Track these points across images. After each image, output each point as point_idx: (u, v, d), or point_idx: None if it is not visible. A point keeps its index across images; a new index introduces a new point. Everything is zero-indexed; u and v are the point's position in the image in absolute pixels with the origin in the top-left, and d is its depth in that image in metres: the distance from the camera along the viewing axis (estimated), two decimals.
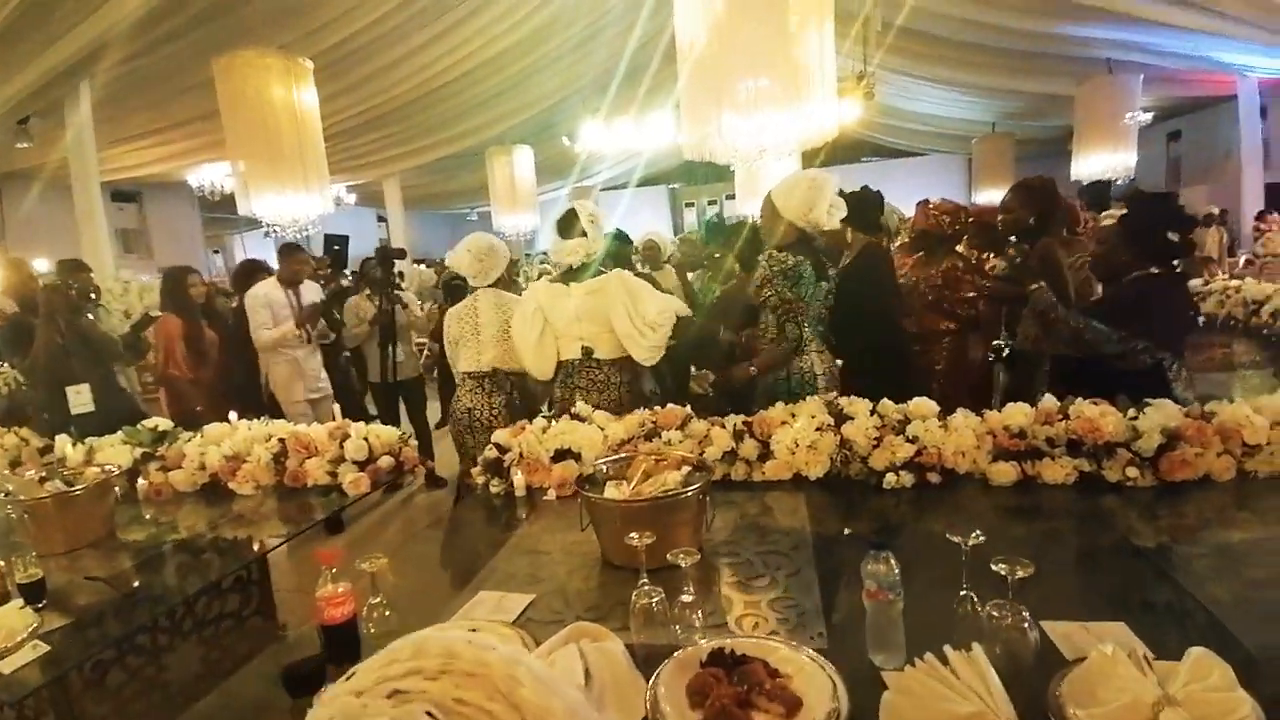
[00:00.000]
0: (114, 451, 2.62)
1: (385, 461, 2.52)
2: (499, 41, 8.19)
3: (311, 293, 4.54)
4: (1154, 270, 2.37)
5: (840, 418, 2.14)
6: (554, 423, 2.36)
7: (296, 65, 4.96)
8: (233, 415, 2.79)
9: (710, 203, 18.62)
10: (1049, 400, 2.09)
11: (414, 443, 2.69)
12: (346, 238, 4.70)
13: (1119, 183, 8.74)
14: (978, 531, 1.18)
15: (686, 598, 1.30)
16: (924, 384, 2.92)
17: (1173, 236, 2.36)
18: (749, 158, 3.31)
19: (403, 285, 5.47)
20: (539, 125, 11.14)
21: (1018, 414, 2.06)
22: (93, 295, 3.98)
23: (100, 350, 3.75)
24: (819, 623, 1.34)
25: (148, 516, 2.40)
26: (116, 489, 2.27)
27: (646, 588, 1.28)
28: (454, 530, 2.29)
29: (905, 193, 6.13)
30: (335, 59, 7.09)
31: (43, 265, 6.55)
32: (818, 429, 2.10)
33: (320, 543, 2.16)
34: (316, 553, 1.35)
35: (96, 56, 6.07)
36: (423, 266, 11.78)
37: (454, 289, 4.45)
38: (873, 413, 2.14)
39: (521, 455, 2.26)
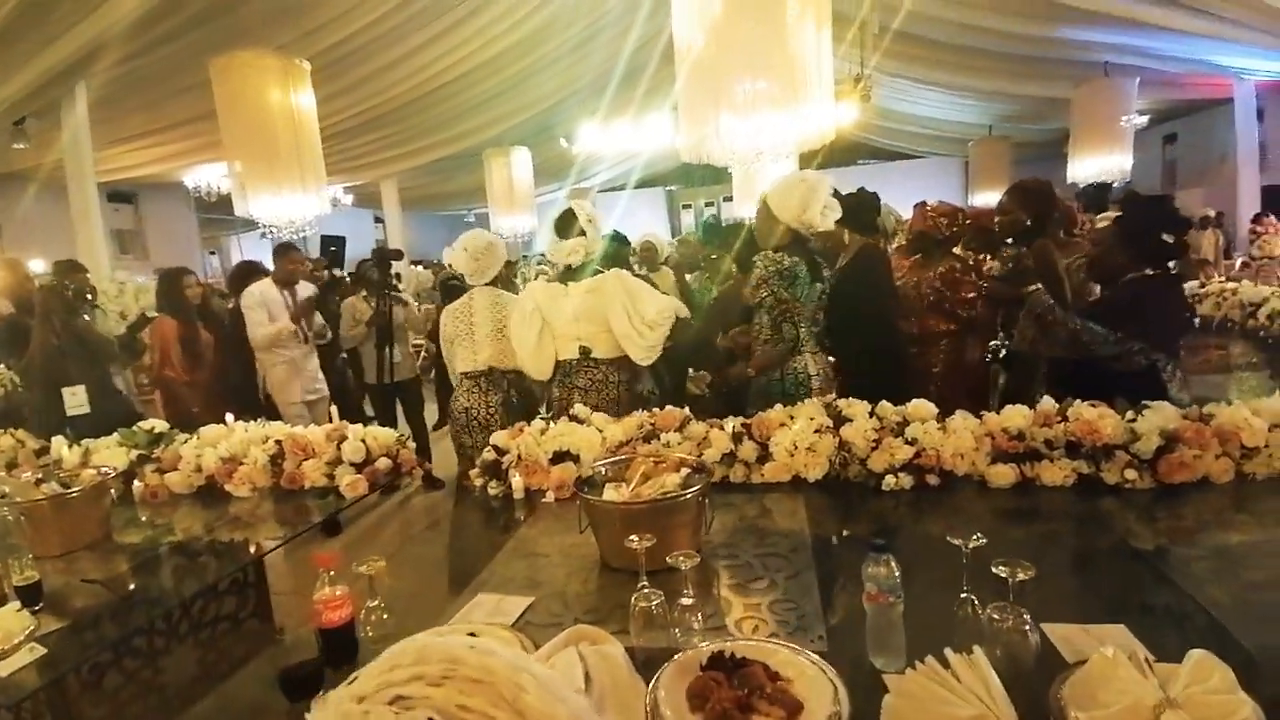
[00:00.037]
0: (110, 453, 2.61)
1: (383, 463, 2.51)
2: (497, 43, 8.19)
3: (307, 293, 4.53)
4: (1149, 272, 2.38)
5: (839, 420, 2.14)
6: (552, 424, 2.36)
7: (294, 66, 4.95)
8: (229, 417, 2.78)
9: (707, 204, 18.61)
10: (1047, 402, 2.09)
11: (411, 444, 2.68)
12: (343, 239, 4.69)
13: (1117, 185, 8.76)
14: (978, 534, 1.18)
15: (686, 600, 1.29)
16: (921, 386, 2.92)
17: (1167, 238, 2.36)
18: (746, 159, 3.31)
19: (400, 287, 5.47)
20: (537, 127, 11.13)
21: (1016, 416, 2.07)
22: (89, 296, 3.97)
23: (96, 351, 3.73)
24: (819, 625, 1.33)
25: (144, 519, 2.39)
26: (112, 491, 2.26)
27: (646, 590, 1.28)
28: (452, 533, 2.28)
29: (902, 195, 6.13)
30: (333, 60, 7.08)
31: (39, 266, 6.51)
32: (816, 431, 2.10)
33: (317, 545, 2.15)
34: (314, 555, 1.35)
35: (93, 57, 6.05)
36: (420, 268, 11.78)
37: (451, 289, 4.45)
38: (871, 415, 2.15)
39: (520, 457, 2.25)
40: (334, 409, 2.96)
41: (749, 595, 1.48)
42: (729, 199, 12.13)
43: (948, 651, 1.07)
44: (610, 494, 1.68)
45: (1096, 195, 5.41)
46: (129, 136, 8.68)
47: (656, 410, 2.37)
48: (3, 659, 1.35)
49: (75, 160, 7.08)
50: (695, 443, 2.20)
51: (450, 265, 3.43)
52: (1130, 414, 1.98)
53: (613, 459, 1.91)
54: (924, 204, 3.43)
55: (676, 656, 1.11)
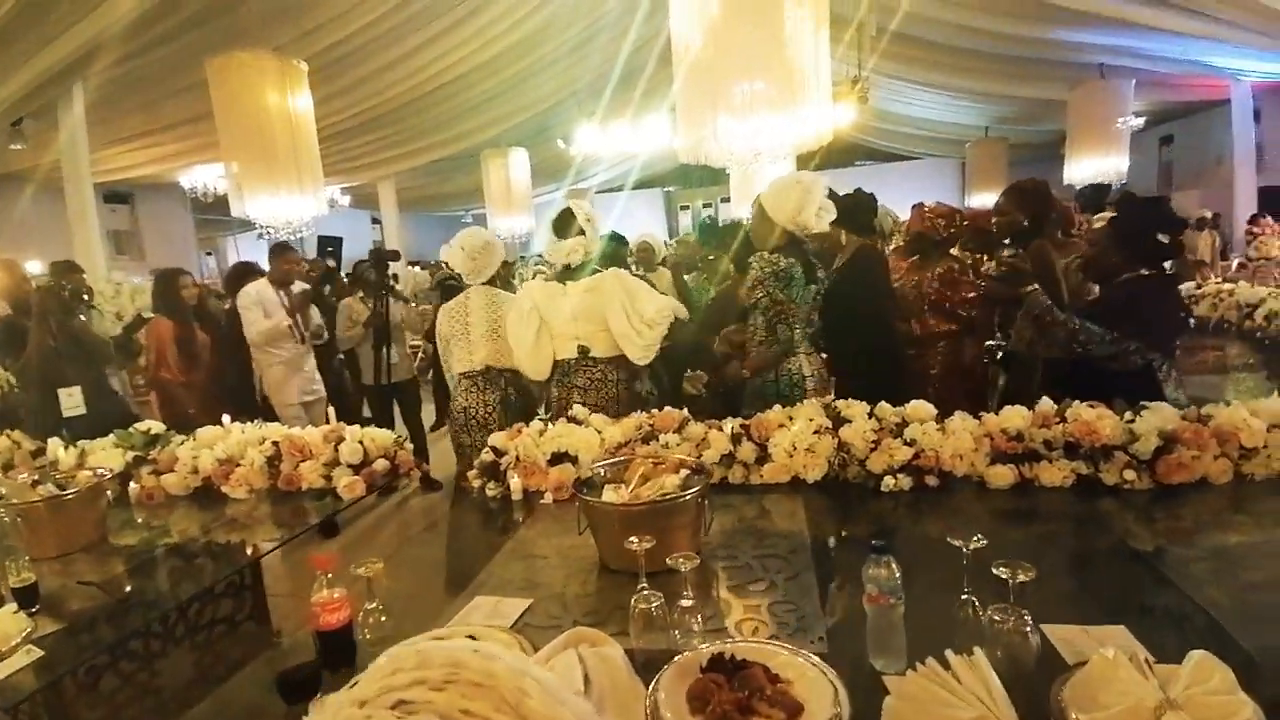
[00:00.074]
0: (106, 455, 2.60)
1: (380, 465, 2.50)
2: (495, 44, 8.19)
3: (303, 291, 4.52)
4: (1144, 272, 2.38)
5: (838, 421, 2.14)
6: (551, 425, 2.36)
7: (291, 67, 4.94)
8: (225, 418, 2.77)
9: (705, 205, 18.64)
10: (1046, 403, 2.09)
11: (409, 445, 2.68)
12: (340, 239, 4.68)
13: (1115, 187, 8.79)
14: (979, 535, 1.18)
15: (686, 602, 1.29)
16: (919, 388, 2.92)
17: (1162, 238, 2.37)
18: (744, 161, 3.32)
19: (398, 288, 5.46)
20: (534, 128, 11.13)
21: (1015, 417, 2.07)
22: (85, 296, 3.95)
23: (92, 352, 3.72)
24: (819, 627, 1.33)
25: (140, 520, 2.38)
26: (109, 493, 2.25)
27: (646, 592, 1.27)
28: (450, 534, 2.27)
29: (899, 196, 6.15)
30: (330, 61, 7.07)
31: (35, 267, 6.50)
32: (815, 432, 2.10)
33: (314, 546, 2.15)
34: (311, 557, 1.34)
35: (91, 58, 6.04)
36: (417, 268, 11.77)
37: (449, 289, 4.44)
38: (870, 415, 2.14)
39: (518, 458, 2.25)
40: (331, 410, 2.96)
41: (748, 597, 1.47)
42: (726, 200, 12.16)
43: (948, 653, 1.06)
44: (609, 495, 1.67)
45: (1094, 196, 5.42)
46: (126, 137, 8.67)
47: (655, 411, 2.36)
48: (0, 661, 1.35)
49: (72, 161, 7.06)
50: (694, 444, 2.20)
51: (447, 264, 3.42)
52: (1129, 415, 1.98)
53: (611, 460, 1.90)
54: (921, 205, 3.43)
55: (676, 658, 1.10)
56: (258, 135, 4.77)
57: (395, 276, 5.55)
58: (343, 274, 5.45)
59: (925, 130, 14.14)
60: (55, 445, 2.67)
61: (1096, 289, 2.77)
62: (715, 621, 1.38)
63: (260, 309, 4.26)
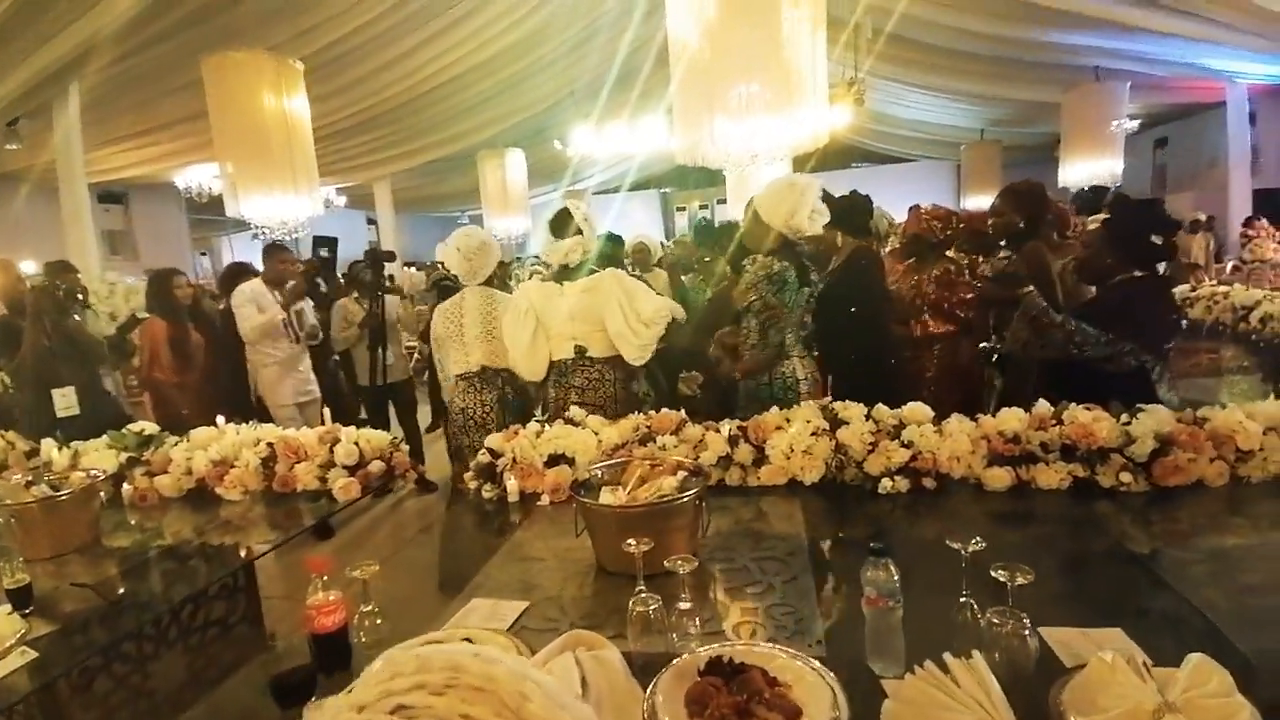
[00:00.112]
0: (99, 456, 2.58)
1: (376, 466, 2.49)
2: (491, 45, 8.18)
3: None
4: (1138, 274, 2.39)
5: (835, 423, 2.14)
6: (548, 427, 2.35)
7: (287, 66, 4.93)
8: (220, 419, 2.76)
9: (702, 207, 18.66)
10: (1043, 405, 2.10)
11: (405, 447, 2.67)
12: (335, 240, 4.66)
13: (1113, 189, 8.83)
14: (978, 538, 1.17)
15: (684, 605, 1.28)
16: (915, 390, 2.92)
17: (1156, 240, 2.37)
18: (741, 162, 3.32)
19: (392, 288, 5.45)
20: (531, 129, 11.13)
21: (1012, 419, 2.07)
22: (79, 296, 3.93)
23: (86, 352, 3.70)
24: (817, 629, 1.33)
25: (133, 522, 2.36)
26: (102, 494, 2.23)
27: (644, 595, 1.27)
28: (446, 536, 2.26)
29: (894, 198, 6.16)
30: (326, 61, 7.05)
31: (29, 267, 6.47)
32: (813, 434, 2.10)
33: (309, 548, 2.13)
34: (307, 560, 1.33)
35: (86, 57, 6.01)
36: (413, 269, 11.75)
37: (445, 289, 4.43)
38: (867, 418, 2.14)
39: (515, 460, 2.24)
40: (326, 411, 2.94)
41: (746, 599, 1.47)
42: (723, 202, 12.16)
43: (947, 656, 1.06)
44: (606, 497, 1.67)
45: (1093, 198, 5.43)
46: (120, 137, 8.64)
47: (652, 413, 2.36)
48: None
49: (67, 161, 7.03)
50: (691, 445, 2.19)
51: (443, 264, 3.41)
52: (1125, 417, 1.98)
53: (609, 462, 1.90)
54: (918, 207, 3.44)
55: (674, 661, 1.10)
56: (253, 135, 4.76)
57: (391, 278, 5.52)
58: (339, 275, 5.43)
59: (921, 132, 14.18)
60: (49, 446, 2.66)
61: (1092, 290, 2.78)
62: (713, 624, 1.37)
63: (254, 305, 4.24)
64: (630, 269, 4.77)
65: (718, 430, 2.23)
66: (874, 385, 2.38)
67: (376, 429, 2.70)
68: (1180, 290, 4.92)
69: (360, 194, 14.01)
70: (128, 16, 5.41)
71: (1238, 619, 1.27)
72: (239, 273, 4.79)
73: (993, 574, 1.11)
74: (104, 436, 2.68)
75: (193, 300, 4.56)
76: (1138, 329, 2.31)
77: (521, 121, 10.82)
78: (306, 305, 4.62)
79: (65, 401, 3.43)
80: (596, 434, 2.28)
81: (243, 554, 2.08)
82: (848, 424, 2.12)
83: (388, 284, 4.96)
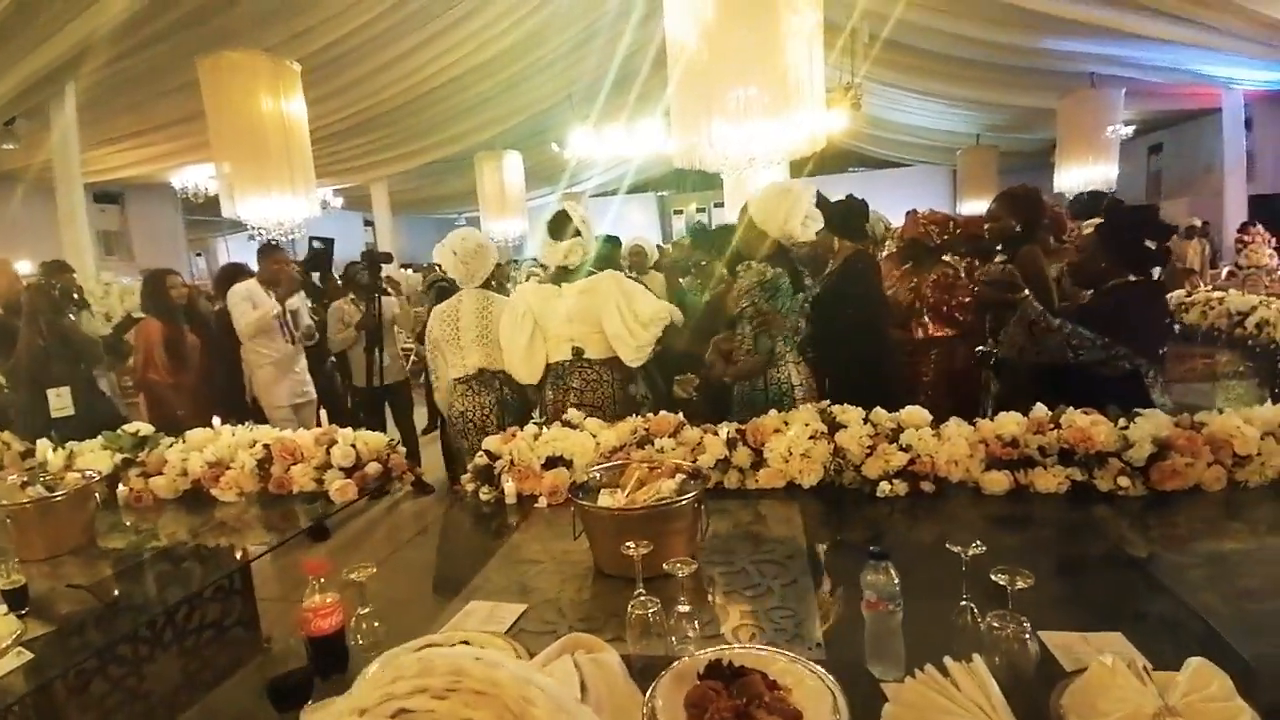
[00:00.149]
0: (94, 457, 2.57)
1: (373, 468, 2.48)
2: (489, 47, 8.18)
3: (294, 297, 4.49)
4: (1132, 278, 2.40)
5: (834, 426, 2.14)
6: (545, 429, 2.34)
7: (284, 68, 4.93)
8: (216, 420, 2.74)
9: (699, 210, 18.67)
10: (1040, 409, 2.10)
11: (402, 449, 2.66)
12: (331, 240, 4.64)
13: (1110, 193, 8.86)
14: (978, 542, 1.17)
15: (683, 608, 1.28)
16: (912, 395, 2.92)
17: (1150, 244, 2.38)
18: (738, 166, 3.33)
19: (389, 291, 5.43)
20: (528, 131, 11.14)
21: (1010, 423, 2.07)
22: (75, 296, 3.91)
23: (81, 352, 3.68)
24: (816, 633, 1.33)
25: (128, 523, 2.35)
26: (97, 495, 2.22)
27: (643, 598, 1.26)
28: (443, 539, 2.26)
29: (891, 202, 6.17)
30: (323, 62, 7.05)
31: (24, 267, 6.45)
32: (811, 437, 2.10)
33: (304, 550, 2.12)
34: (304, 562, 1.33)
35: (83, 58, 6.01)
36: (410, 271, 11.74)
37: (442, 290, 4.41)
38: (866, 421, 2.14)
39: (512, 462, 2.23)
40: (323, 413, 2.93)
41: (745, 602, 1.47)
42: (720, 205, 12.17)
43: (947, 660, 1.06)
44: (605, 500, 1.66)
45: (1090, 203, 5.44)
46: (116, 137, 8.63)
47: (650, 415, 2.36)
48: None
49: (63, 161, 7.02)
50: (689, 448, 2.19)
51: (439, 266, 3.41)
52: (1123, 421, 1.99)
53: (607, 464, 1.89)
54: (915, 212, 3.44)
55: (674, 665, 1.09)
56: (249, 136, 4.76)
57: (390, 278, 5.51)
58: (336, 276, 5.41)
59: (917, 137, 14.23)
60: (44, 446, 2.64)
61: (1087, 294, 2.78)
62: (712, 627, 1.37)
63: (249, 303, 4.23)
64: (626, 272, 4.77)
65: (716, 433, 2.23)
66: (871, 389, 2.38)
67: (372, 430, 2.69)
68: (1176, 296, 4.93)
69: (357, 195, 14.01)
70: (124, 17, 5.40)
71: (1237, 623, 1.27)
72: (234, 273, 4.77)
73: (993, 578, 1.11)
74: (99, 437, 2.67)
75: (188, 301, 4.54)
76: (1131, 333, 2.31)
77: (519, 124, 10.83)
78: (303, 306, 4.60)
79: (60, 402, 3.41)
80: (594, 436, 2.27)
81: (238, 556, 2.07)
82: (846, 427, 2.12)
83: (386, 286, 4.94)
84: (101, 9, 5.27)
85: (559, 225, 2.84)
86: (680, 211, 19.51)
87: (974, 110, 11.90)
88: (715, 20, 3.01)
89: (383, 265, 4.67)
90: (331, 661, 1.30)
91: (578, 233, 2.80)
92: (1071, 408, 2.08)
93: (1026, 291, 2.51)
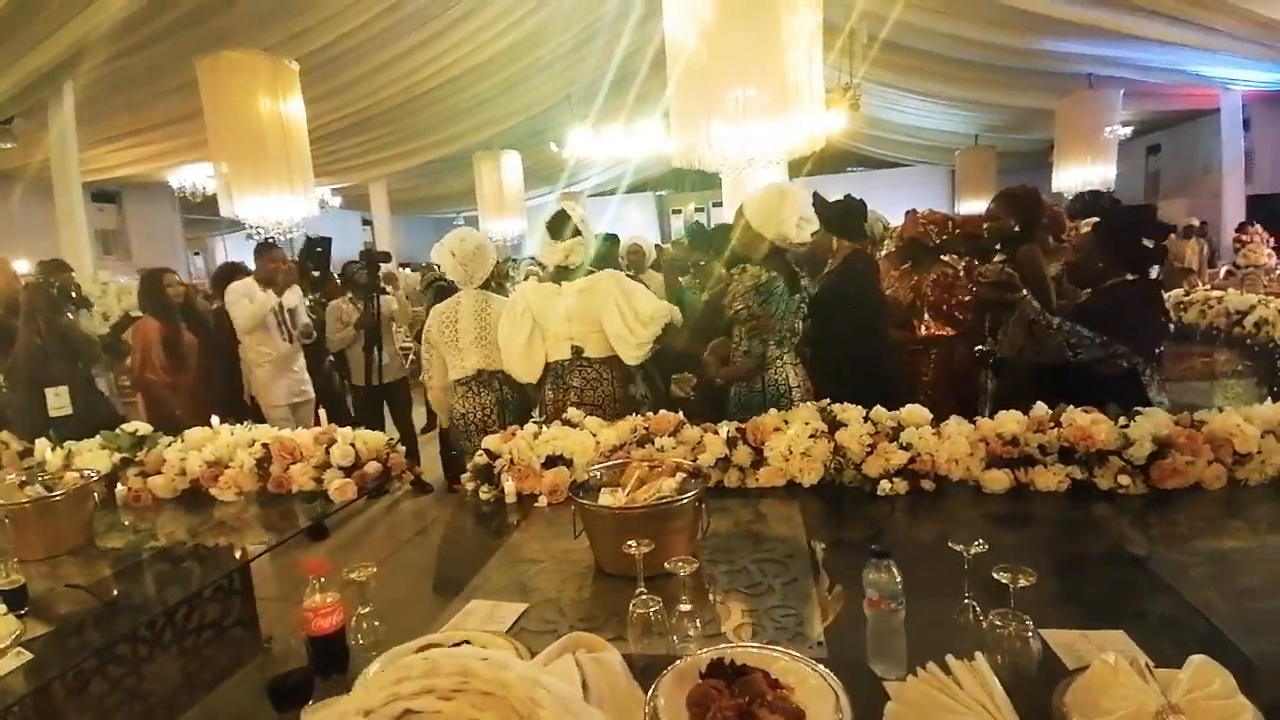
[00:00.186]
0: (92, 456, 2.56)
1: (372, 467, 2.48)
2: (487, 47, 8.18)
3: (292, 296, 4.48)
4: (1129, 277, 2.40)
5: (834, 425, 2.14)
6: (545, 428, 2.34)
7: (282, 67, 4.92)
8: (214, 419, 2.74)
9: (697, 209, 18.66)
10: (1040, 408, 2.10)
11: (401, 448, 2.65)
12: (329, 239, 4.63)
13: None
14: (980, 540, 1.17)
15: (684, 607, 1.28)
16: (911, 394, 2.92)
17: (1147, 243, 2.38)
18: (737, 166, 3.32)
19: (387, 290, 5.42)
20: (527, 131, 11.13)
21: (1010, 421, 2.07)
22: (73, 294, 3.90)
23: (79, 351, 3.67)
24: (817, 631, 1.32)
25: (127, 523, 2.35)
26: (95, 494, 2.22)
27: (645, 597, 1.26)
28: (444, 538, 2.25)
29: (889, 202, 6.16)
30: (321, 62, 7.04)
31: (22, 267, 6.43)
32: (811, 436, 2.10)
33: (303, 550, 2.12)
34: (304, 562, 1.32)
35: (81, 57, 5.99)
36: (408, 270, 11.71)
37: (441, 290, 4.41)
38: (866, 420, 2.14)
39: (512, 461, 2.23)
40: (322, 412, 2.93)
41: (746, 601, 1.47)
42: (719, 204, 12.18)
43: (949, 658, 1.06)
44: (605, 499, 1.66)
45: (1091, 202, 5.44)
46: (114, 136, 8.61)
47: (650, 414, 2.35)
48: None
49: (61, 160, 7.00)
50: (689, 447, 2.19)
51: (438, 265, 3.40)
52: (1123, 420, 1.99)
53: (607, 463, 1.89)
54: (915, 211, 3.44)
55: (675, 664, 1.09)
56: (247, 135, 4.75)
57: (391, 276, 5.47)
58: (334, 275, 5.40)
59: (916, 138, 14.23)
60: (42, 446, 2.64)
61: (1086, 294, 2.78)
62: (713, 626, 1.37)
63: (246, 299, 4.23)
64: (625, 271, 4.76)
65: (716, 432, 2.23)
66: (870, 389, 2.38)
67: (371, 429, 2.68)
68: (1174, 295, 4.94)
69: (355, 195, 13.99)
70: (122, 16, 5.39)
71: (1238, 620, 1.28)
72: (231, 272, 4.76)
73: (995, 576, 1.11)
74: (97, 437, 2.67)
75: (185, 300, 4.52)
76: (1129, 332, 2.31)
77: (518, 124, 10.82)
78: (300, 305, 4.59)
79: (58, 401, 3.40)
80: (594, 435, 2.27)
81: (238, 555, 2.06)
82: (846, 426, 2.12)
83: (383, 287, 4.92)
84: (100, 8, 5.26)
85: (558, 225, 2.84)
86: (679, 211, 19.50)
87: (972, 111, 11.91)
88: (714, 21, 3.01)
89: (381, 264, 4.67)
90: (332, 661, 1.29)
91: (577, 232, 2.80)
92: (1071, 406, 2.08)
93: (1025, 291, 2.51)
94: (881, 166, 17.42)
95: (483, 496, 2.22)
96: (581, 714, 0.45)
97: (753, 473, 2.13)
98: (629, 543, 1.30)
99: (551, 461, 2.20)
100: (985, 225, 3.38)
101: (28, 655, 1.37)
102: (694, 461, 2.01)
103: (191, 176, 10.81)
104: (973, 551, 1.17)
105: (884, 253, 4.06)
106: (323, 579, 1.30)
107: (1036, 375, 2.69)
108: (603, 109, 10.14)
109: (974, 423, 2.12)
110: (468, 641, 1.19)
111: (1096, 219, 2.80)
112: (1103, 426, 1.96)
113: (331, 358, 5.12)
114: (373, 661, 1.18)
